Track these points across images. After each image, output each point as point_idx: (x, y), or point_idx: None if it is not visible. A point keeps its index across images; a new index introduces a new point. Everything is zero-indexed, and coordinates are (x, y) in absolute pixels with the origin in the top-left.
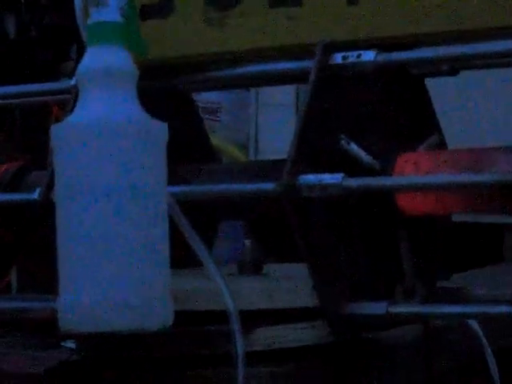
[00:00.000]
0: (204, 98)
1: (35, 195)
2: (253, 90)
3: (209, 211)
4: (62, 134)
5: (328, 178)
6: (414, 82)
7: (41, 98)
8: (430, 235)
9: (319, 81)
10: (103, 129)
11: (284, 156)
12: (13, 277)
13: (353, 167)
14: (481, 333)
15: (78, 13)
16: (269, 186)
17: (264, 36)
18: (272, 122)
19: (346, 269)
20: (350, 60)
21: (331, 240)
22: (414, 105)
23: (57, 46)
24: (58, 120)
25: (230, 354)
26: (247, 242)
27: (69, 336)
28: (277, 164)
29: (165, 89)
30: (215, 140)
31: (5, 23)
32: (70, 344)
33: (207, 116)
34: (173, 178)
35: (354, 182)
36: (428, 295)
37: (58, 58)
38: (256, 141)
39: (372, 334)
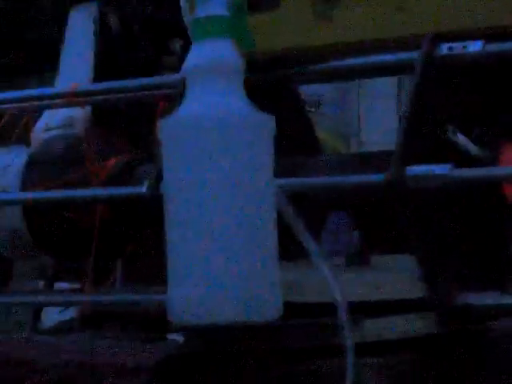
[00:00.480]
0: (306, 91)
1: (143, 189)
2: (355, 83)
3: (316, 204)
4: (171, 128)
5: (436, 168)
6: None
7: (147, 92)
8: None
9: (425, 72)
10: (212, 122)
11: (386, 147)
12: (118, 270)
13: (460, 158)
14: None
15: (184, 7)
16: (378, 177)
17: (372, 28)
18: (374, 113)
19: (455, 259)
20: (456, 51)
21: (440, 231)
22: None
23: (158, 40)
24: (163, 114)
25: (339, 345)
26: (355, 234)
27: (179, 329)
28: (382, 155)
29: (272, 81)
30: (318, 132)
31: (107, 17)
32: (177, 337)
33: (309, 108)
34: (279, 171)
35: (461, 173)
36: None
37: (160, 52)
38: (358, 132)
39: (482, 325)
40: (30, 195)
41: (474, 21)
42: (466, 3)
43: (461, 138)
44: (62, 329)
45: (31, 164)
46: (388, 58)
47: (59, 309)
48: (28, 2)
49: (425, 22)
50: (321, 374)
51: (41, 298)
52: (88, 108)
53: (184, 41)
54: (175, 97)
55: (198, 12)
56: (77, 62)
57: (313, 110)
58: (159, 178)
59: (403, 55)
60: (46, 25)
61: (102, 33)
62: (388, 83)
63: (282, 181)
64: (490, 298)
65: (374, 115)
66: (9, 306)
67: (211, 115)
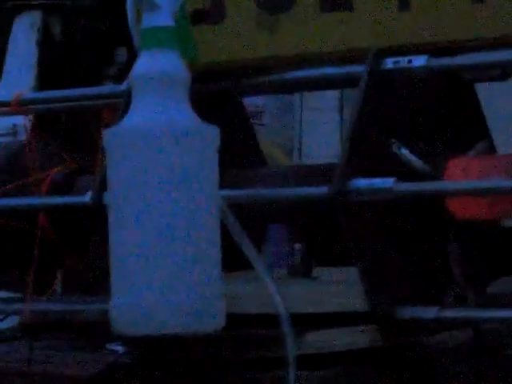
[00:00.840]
0: (248, 102)
1: (86, 198)
2: (297, 94)
3: (258, 215)
4: (115, 138)
5: (379, 182)
6: (464, 87)
7: (92, 102)
8: (480, 240)
9: (370, 85)
10: (156, 133)
11: (328, 160)
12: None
13: (403, 172)
14: None
15: (131, 18)
16: (320, 190)
17: (315, 41)
18: (316, 126)
19: (397, 273)
20: (401, 65)
21: (382, 244)
22: (463, 110)
23: (101, 49)
24: (108, 124)
25: (280, 357)
26: (297, 246)
27: (120, 338)
28: (326, 168)
29: (216, 93)
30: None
31: (50, 26)
32: (115, 346)
33: (251, 119)
34: (223, 182)
35: (404, 187)
36: (478, 300)
37: (102, 61)
38: (300, 144)
39: (421, 339)
40: None
41: (419, 35)
42: (411, 18)
43: (405, 153)
44: (1, 337)
45: None
46: (332, 70)
47: None
48: None
49: (370, 36)
50: None
51: None
52: (31, 117)
53: (129, 50)
54: (120, 107)
55: (144, 22)
56: (20, 70)
57: (255, 121)
58: (102, 187)
59: (348, 68)
60: None
61: (45, 42)
62: (331, 96)
63: (226, 192)
64: (429, 312)
65: (317, 128)
66: None
67: (156, 126)
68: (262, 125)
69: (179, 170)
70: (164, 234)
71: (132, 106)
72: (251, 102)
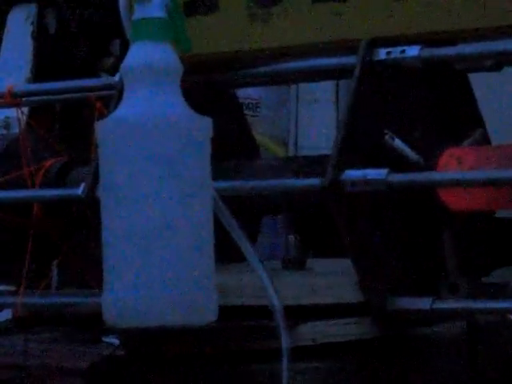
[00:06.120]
0: (243, 94)
1: (79, 191)
2: (293, 86)
3: (252, 207)
4: (108, 130)
5: (372, 173)
6: (457, 77)
7: (86, 94)
8: (474, 231)
9: (363, 76)
10: (149, 125)
11: (323, 152)
12: (53, 273)
13: (397, 163)
14: None
15: (123, 9)
16: (314, 181)
17: (308, 32)
18: (311, 117)
19: (390, 264)
20: (394, 55)
21: (375, 235)
22: (457, 100)
23: (96, 41)
24: (100, 115)
25: (274, 349)
26: (290, 238)
27: (113, 331)
28: (320, 159)
29: (208, 84)
30: (254, 135)
31: (45, 18)
32: (112, 339)
33: (246, 111)
34: (216, 174)
35: (398, 178)
36: (472, 291)
37: (97, 53)
38: (296, 136)
39: (415, 330)
40: None
41: (411, 25)
42: (403, 8)
43: (398, 143)
44: None
45: None
46: (326, 61)
47: None
48: None
49: (362, 27)
50: (255, 378)
51: None
52: (25, 109)
53: (123, 42)
54: (113, 98)
55: (136, 14)
56: (14, 62)
57: (250, 113)
58: (95, 180)
59: (341, 59)
60: None
61: (40, 34)
62: (326, 87)
63: (219, 184)
64: (423, 303)
65: (312, 119)
66: None
67: (148, 117)
68: (258, 117)
69: (171, 161)
70: (156, 225)
71: (124, 98)
72: (247, 95)
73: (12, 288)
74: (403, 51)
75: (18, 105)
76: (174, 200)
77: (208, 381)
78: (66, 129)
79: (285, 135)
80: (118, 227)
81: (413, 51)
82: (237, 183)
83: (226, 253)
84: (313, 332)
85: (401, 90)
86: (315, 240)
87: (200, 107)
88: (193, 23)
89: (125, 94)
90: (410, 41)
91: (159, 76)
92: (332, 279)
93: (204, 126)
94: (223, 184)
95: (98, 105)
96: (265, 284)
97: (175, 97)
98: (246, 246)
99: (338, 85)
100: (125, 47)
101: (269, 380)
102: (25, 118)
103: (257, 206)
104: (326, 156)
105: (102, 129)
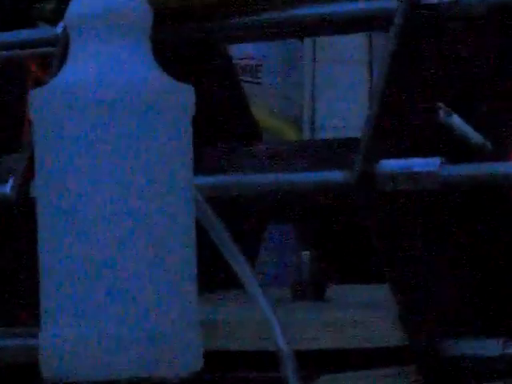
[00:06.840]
0: (239, 53)
1: (7, 189)
2: (308, 42)
3: (251, 212)
4: (46, 103)
5: (420, 164)
6: None
7: (17, 52)
8: None
9: (407, 26)
10: (104, 94)
11: (350, 134)
12: None
13: (454, 149)
14: None
15: None
16: (337, 175)
17: None
18: (333, 86)
19: (446, 292)
20: None
21: (425, 250)
22: None
23: None
24: (38, 83)
25: None
26: (304, 255)
27: None
28: (345, 145)
29: (190, 38)
30: (254, 110)
31: None
32: None
33: (243, 77)
34: (201, 164)
35: (456, 171)
36: None
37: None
38: (312, 112)
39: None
40: None
41: None
42: None
43: (457, 122)
44: None
45: None
46: (355, 6)
47: None
48: None
49: None
50: None
51: None
52: None
53: None
54: (53, 58)
55: None
56: None
57: (249, 79)
58: (29, 174)
59: (377, 3)
60: None
61: None
62: (355, 43)
63: (205, 179)
64: (492, 347)
65: (336, 89)
66: None
67: (103, 84)
68: (259, 84)
69: (137, 146)
70: (113, 238)
71: (69, 57)
72: (244, 54)
73: None
74: None
75: None
76: (137, 204)
77: None
78: None
79: (296, 111)
80: (59, 240)
81: None
82: (229, 178)
83: (215, 277)
84: None
85: (458, 47)
86: (339, 258)
87: (178, 71)
88: None
89: (71, 52)
90: None
91: (119, 27)
92: (361, 313)
93: (183, 98)
94: (209, 179)
95: (33, 67)
96: (269, 320)
97: (142, 55)
98: (242, 268)
99: (371, 40)
100: None
101: None
102: None
103: (258, 210)
104: (354, 140)
105: (40, 100)
